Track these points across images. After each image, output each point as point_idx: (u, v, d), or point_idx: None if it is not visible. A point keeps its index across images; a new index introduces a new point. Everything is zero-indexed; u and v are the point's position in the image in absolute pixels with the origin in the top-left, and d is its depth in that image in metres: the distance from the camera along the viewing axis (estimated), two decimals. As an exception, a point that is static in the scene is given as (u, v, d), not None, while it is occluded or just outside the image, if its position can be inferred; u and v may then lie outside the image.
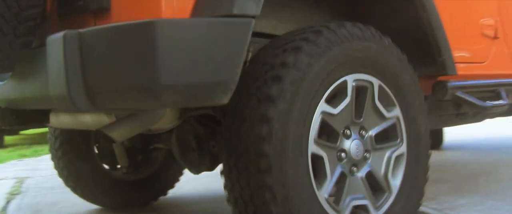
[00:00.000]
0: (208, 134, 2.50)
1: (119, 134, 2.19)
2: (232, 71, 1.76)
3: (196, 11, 1.78)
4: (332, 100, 2.07)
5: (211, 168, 2.63)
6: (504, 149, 5.35)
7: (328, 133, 2.08)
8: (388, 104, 2.27)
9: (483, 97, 2.94)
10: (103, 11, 1.88)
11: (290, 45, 1.97)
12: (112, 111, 2.16)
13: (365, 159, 2.20)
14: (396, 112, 2.29)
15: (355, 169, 2.17)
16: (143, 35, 1.63)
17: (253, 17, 1.80)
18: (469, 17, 2.94)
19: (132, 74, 1.66)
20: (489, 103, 2.92)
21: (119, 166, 3.36)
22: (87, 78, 1.71)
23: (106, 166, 3.35)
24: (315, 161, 2.01)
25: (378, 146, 2.24)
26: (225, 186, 2.04)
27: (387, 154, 2.26)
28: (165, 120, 2.29)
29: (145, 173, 3.41)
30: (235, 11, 1.76)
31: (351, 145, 2.14)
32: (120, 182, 3.35)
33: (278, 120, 1.86)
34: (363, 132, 2.21)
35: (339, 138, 2.11)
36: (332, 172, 2.07)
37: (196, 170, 2.73)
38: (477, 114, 3.41)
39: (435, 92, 2.72)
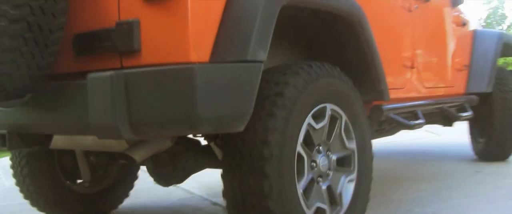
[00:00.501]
0: (183, 151, 2.91)
1: (140, 156, 2.58)
2: (249, 104, 2.20)
3: (214, 56, 2.14)
4: (315, 119, 2.59)
5: (181, 181, 3.04)
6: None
7: (307, 143, 2.56)
8: (349, 138, 2.84)
9: (406, 117, 3.60)
10: (132, 53, 2.15)
11: (290, 71, 2.48)
12: (150, 138, 2.53)
13: (327, 175, 2.71)
14: (353, 145, 2.86)
15: (320, 179, 2.67)
16: (186, 77, 2.02)
17: (262, 61, 2.25)
18: (396, 52, 3.57)
19: (175, 108, 2.03)
20: (412, 122, 3.58)
21: (79, 181, 3.63)
22: (133, 111, 2.05)
23: (67, 181, 3.59)
24: (298, 160, 2.49)
25: (338, 168, 2.79)
26: (225, 179, 2.42)
27: (342, 177, 2.81)
28: (169, 143, 2.68)
29: (105, 185, 3.72)
30: (249, 57, 2.19)
31: (320, 159, 2.64)
32: (82, 195, 3.62)
33: (279, 124, 2.33)
34: (329, 153, 2.75)
35: (314, 150, 2.62)
36: (307, 173, 2.56)
37: (167, 183, 3.10)
38: (392, 129, 4.11)
39: (373, 114, 3.31)
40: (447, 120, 4.62)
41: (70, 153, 3.51)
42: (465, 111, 4.49)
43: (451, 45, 4.45)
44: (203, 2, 2.14)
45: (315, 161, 2.62)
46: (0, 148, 2.89)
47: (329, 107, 2.67)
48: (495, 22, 72.82)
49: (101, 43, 2.23)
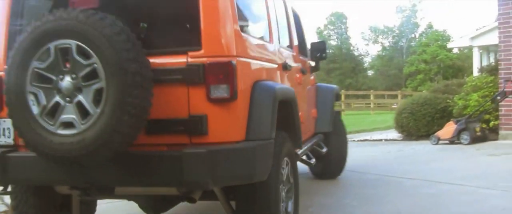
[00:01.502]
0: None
1: (197, 196, 3.98)
2: (268, 167, 3.83)
3: (248, 135, 3.73)
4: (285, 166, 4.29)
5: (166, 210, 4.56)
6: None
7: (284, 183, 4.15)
8: (292, 175, 4.62)
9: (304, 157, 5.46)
10: (200, 135, 3.59)
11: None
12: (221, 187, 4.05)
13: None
14: (292, 179, 4.64)
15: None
16: (248, 151, 3.61)
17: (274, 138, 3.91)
18: (301, 115, 5.30)
19: (242, 169, 3.59)
20: (312, 160, 5.46)
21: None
22: (216, 172, 3.49)
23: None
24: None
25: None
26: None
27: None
28: None
29: None
30: (272, 136, 3.87)
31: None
32: None
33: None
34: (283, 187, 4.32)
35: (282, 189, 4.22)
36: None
37: (157, 212, 4.52)
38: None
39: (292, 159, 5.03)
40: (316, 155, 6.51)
41: (66, 195, 4.56)
42: (322, 147, 6.50)
43: (311, 101, 6.39)
44: (242, 104, 3.68)
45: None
46: (84, 197, 4.14)
47: (287, 159, 4.37)
48: (408, 30, 78.02)
49: (176, 127, 3.63)
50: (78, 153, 3.37)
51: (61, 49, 3.39)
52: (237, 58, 3.68)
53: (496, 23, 12.87)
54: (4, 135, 4.03)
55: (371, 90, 40.50)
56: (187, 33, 3.81)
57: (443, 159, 9.30)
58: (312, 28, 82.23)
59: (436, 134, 11.62)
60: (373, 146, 12.13)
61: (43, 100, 3.45)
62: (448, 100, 12.63)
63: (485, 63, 17.28)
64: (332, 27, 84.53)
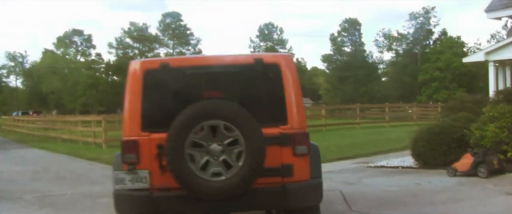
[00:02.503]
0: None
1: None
2: (322, 194, 6.38)
3: (312, 175, 6.13)
4: None
5: None
6: None
7: None
8: None
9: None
10: (289, 177, 5.88)
11: None
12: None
13: None
14: None
15: None
16: (319, 186, 6.25)
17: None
18: None
19: (315, 196, 6.24)
20: None
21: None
22: (304, 198, 6.09)
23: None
24: None
25: None
26: None
27: None
28: None
29: None
30: (321, 175, 6.50)
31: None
32: None
33: None
34: None
35: None
36: None
37: None
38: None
39: None
40: None
41: None
42: None
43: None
44: (309, 156, 6.04)
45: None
46: None
47: None
48: (421, 37, 77.88)
49: (272, 173, 5.80)
50: (224, 192, 5.49)
51: (211, 126, 5.49)
52: (307, 130, 6.07)
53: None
54: (141, 181, 5.75)
55: (386, 104, 40.49)
56: (278, 114, 5.93)
57: (461, 198, 9.29)
58: (325, 34, 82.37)
59: (453, 165, 11.59)
60: (389, 177, 12.14)
61: (198, 159, 5.51)
62: (465, 130, 12.59)
63: (501, 80, 17.18)
64: (345, 34, 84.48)
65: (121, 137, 5.96)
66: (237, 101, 5.66)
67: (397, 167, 13.61)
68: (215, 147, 5.45)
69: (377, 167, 13.92)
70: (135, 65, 6.10)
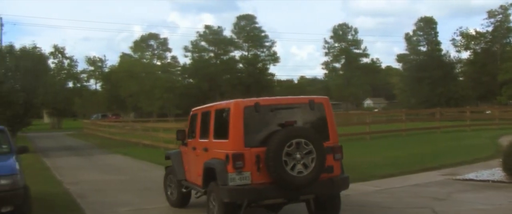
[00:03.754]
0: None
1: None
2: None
3: (342, 172, 9.29)
4: None
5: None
6: None
7: None
8: None
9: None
10: (331, 173, 8.97)
11: None
12: None
13: None
14: None
15: None
16: (348, 178, 9.40)
17: None
18: None
19: (346, 184, 9.33)
20: None
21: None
22: (343, 185, 9.33)
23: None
24: None
25: None
26: None
27: None
28: None
29: None
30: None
31: None
32: None
33: None
34: None
35: None
36: None
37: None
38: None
39: None
40: None
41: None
42: None
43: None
44: (341, 159, 9.22)
45: None
46: (286, 203, 9.20)
47: None
48: (501, 36, 76.99)
49: (325, 171, 8.76)
50: (304, 183, 8.47)
51: (297, 142, 8.42)
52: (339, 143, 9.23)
53: None
54: (245, 179, 8.47)
55: (467, 107, 39.48)
56: (324, 133, 9.04)
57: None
58: (400, 33, 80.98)
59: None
60: (480, 192, 11.86)
61: (289, 162, 8.39)
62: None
63: None
64: (421, 33, 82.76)
65: (221, 149, 8.82)
66: (308, 127, 8.96)
67: (487, 181, 13.25)
68: (298, 155, 8.47)
69: (466, 180, 13.59)
70: (237, 104, 8.81)
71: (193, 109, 11.15)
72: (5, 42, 72.45)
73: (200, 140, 10.00)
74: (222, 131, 8.91)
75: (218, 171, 8.57)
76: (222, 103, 9.42)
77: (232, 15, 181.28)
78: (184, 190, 11.14)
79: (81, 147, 35.63)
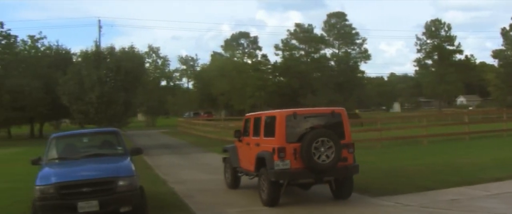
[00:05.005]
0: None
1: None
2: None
3: (353, 161, 12.52)
4: None
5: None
6: None
7: None
8: None
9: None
10: (346, 162, 12.17)
11: None
12: None
13: None
14: None
15: None
16: (358, 166, 12.62)
17: None
18: None
19: (357, 170, 12.59)
20: None
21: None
22: (354, 171, 12.53)
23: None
24: None
25: None
26: None
27: None
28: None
29: None
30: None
31: None
32: None
33: None
34: None
35: None
36: None
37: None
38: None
39: None
40: None
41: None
42: None
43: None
44: (353, 152, 12.46)
45: None
46: (313, 184, 12.64)
47: None
48: None
49: (341, 160, 11.91)
50: (326, 168, 11.66)
51: (322, 140, 11.61)
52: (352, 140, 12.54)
53: None
54: (286, 165, 11.63)
55: None
56: (341, 134, 12.11)
57: None
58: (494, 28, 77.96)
59: None
60: None
61: (316, 153, 11.58)
62: None
63: None
64: (519, 28, 79.55)
65: (270, 144, 12.10)
66: (330, 130, 11.91)
67: None
68: (323, 149, 11.64)
69: None
70: (281, 113, 12.31)
71: (246, 115, 15.06)
72: (103, 43, 75.03)
73: (253, 138, 13.50)
74: (270, 132, 12.38)
75: (267, 159, 11.93)
76: (270, 112, 13.42)
77: (319, 12, 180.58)
78: (239, 174, 14.78)
79: (177, 145, 36.45)
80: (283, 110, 12.54)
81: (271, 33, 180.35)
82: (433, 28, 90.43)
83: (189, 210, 12.14)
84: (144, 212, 10.50)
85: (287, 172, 11.67)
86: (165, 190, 15.48)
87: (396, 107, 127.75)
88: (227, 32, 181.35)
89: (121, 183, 9.97)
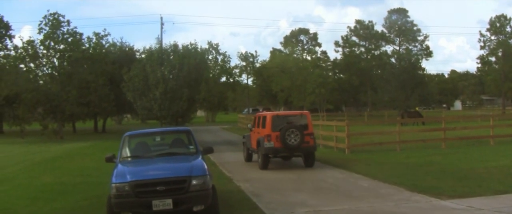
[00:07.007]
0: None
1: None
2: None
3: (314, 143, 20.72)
4: None
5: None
6: None
7: None
8: None
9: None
10: (308, 143, 20.01)
11: None
12: None
13: None
14: None
15: None
16: (316, 147, 21.04)
17: None
18: None
19: (314, 148, 20.71)
20: None
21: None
22: (314, 148, 20.43)
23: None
24: None
25: None
26: None
27: None
28: None
29: None
30: None
31: None
32: None
33: None
34: None
35: None
36: None
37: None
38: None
39: None
40: None
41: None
42: None
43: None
44: (313, 136, 20.66)
45: None
46: (289, 157, 21.57)
47: None
48: None
49: (304, 143, 19.81)
50: (295, 147, 19.56)
51: (292, 130, 19.47)
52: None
53: None
54: (271, 144, 19.69)
55: None
56: (306, 127, 20.13)
57: None
58: None
59: None
60: None
61: (288, 138, 19.42)
62: None
63: None
64: None
65: (263, 133, 19.99)
66: (298, 124, 19.74)
67: None
68: (293, 135, 19.26)
69: None
70: (270, 114, 20.68)
71: (256, 114, 24.56)
72: (165, 40, 76.04)
73: (257, 128, 21.34)
74: (263, 125, 20.27)
75: (261, 141, 19.94)
76: (264, 113, 21.62)
77: (378, 8, 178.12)
78: (250, 152, 22.82)
79: (238, 141, 36.57)
80: (272, 112, 23.11)
81: (328, 29, 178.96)
82: (497, 24, 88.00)
83: (258, 209, 12.17)
84: (216, 211, 10.62)
85: (272, 148, 19.65)
86: (231, 188, 15.61)
87: (458, 105, 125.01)
88: (285, 28, 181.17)
89: (194, 182, 10.11)
